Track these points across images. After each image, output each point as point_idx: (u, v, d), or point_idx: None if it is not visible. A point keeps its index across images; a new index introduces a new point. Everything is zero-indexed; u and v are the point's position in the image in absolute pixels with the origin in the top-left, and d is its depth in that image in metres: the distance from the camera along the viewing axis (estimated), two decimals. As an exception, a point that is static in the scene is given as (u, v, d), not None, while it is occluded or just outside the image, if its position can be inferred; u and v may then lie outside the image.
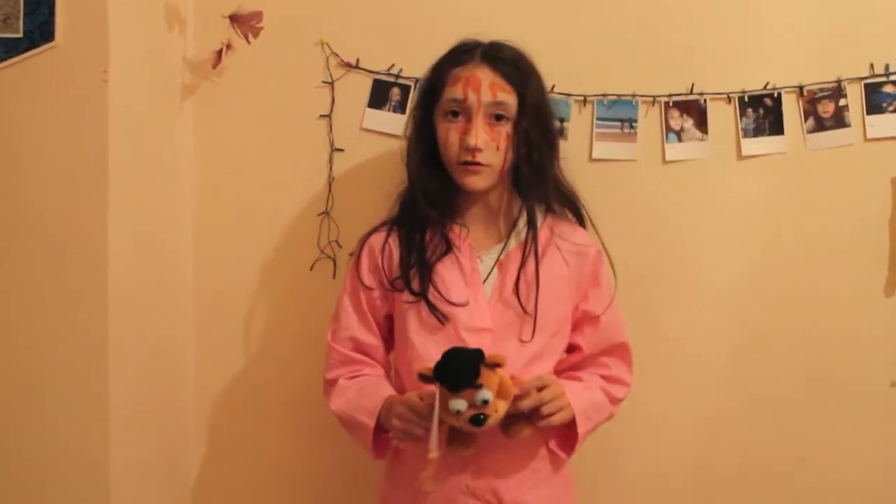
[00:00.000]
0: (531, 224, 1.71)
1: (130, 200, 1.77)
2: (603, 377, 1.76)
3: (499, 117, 1.66)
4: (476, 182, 1.68)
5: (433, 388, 1.50)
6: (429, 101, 1.73)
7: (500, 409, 1.49)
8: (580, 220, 1.81)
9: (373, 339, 1.77)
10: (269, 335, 2.05)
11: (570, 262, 1.73)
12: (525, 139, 1.67)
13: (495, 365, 1.48)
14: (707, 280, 1.99)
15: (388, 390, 1.70)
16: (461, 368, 1.47)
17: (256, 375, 2.07)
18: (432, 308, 1.67)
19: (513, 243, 1.73)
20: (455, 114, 1.67)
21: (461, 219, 1.75)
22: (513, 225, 1.74)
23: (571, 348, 1.78)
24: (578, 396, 1.66)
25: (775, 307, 1.98)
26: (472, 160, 1.65)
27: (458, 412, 1.47)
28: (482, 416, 1.47)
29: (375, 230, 1.79)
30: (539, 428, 1.58)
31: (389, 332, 1.80)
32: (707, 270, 1.98)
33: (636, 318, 1.85)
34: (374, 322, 1.77)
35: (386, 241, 1.76)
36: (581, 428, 1.64)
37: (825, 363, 1.97)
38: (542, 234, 1.72)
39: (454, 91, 1.67)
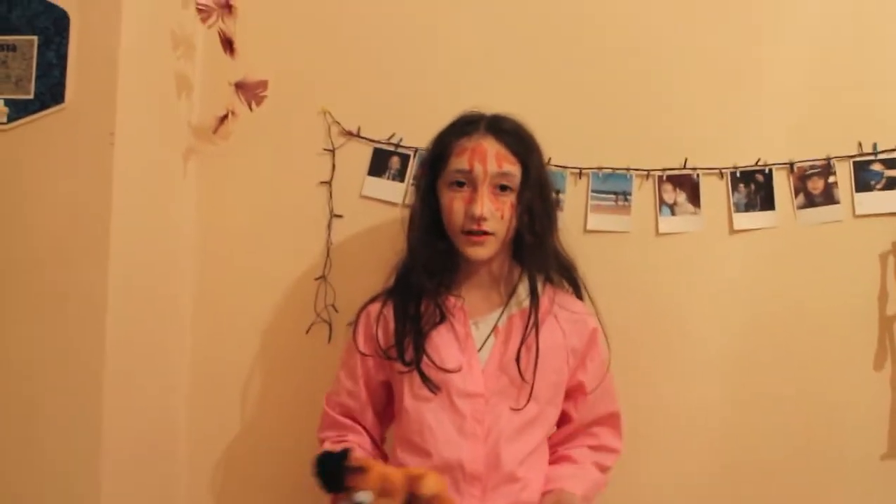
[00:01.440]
0: (533, 293, 1.72)
1: (131, 260, 1.79)
2: (591, 447, 1.78)
3: (503, 188, 1.69)
4: (479, 252, 1.70)
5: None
6: (433, 171, 1.75)
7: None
8: (577, 291, 1.83)
9: (360, 406, 1.79)
10: (265, 397, 2.05)
11: (566, 331, 1.74)
12: (528, 209, 1.70)
13: (359, 469, 1.45)
14: (698, 350, 1.99)
15: None
16: (325, 477, 1.46)
17: (251, 438, 2.06)
18: (424, 378, 1.68)
19: (512, 310, 1.74)
20: (460, 184, 1.69)
21: (457, 287, 1.76)
22: (511, 292, 1.76)
23: (563, 417, 1.79)
24: (580, 483, 1.70)
25: (765, 378, 1.98)
26: (478, 229, 1.67)
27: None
28: None
29: (372, 300, 1.81)
30: None
31: (388, 398, 1.81)
32: (699, 341, 1.99)
33: (629, 386, 1.87)
34: (367, 389, 1.78)
35: (381, 311, 1.77)
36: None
37: (815, 435, 1.97)
38: (543, 303, 1.74)
39: (460, 162, 1.69)
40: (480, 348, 1.71)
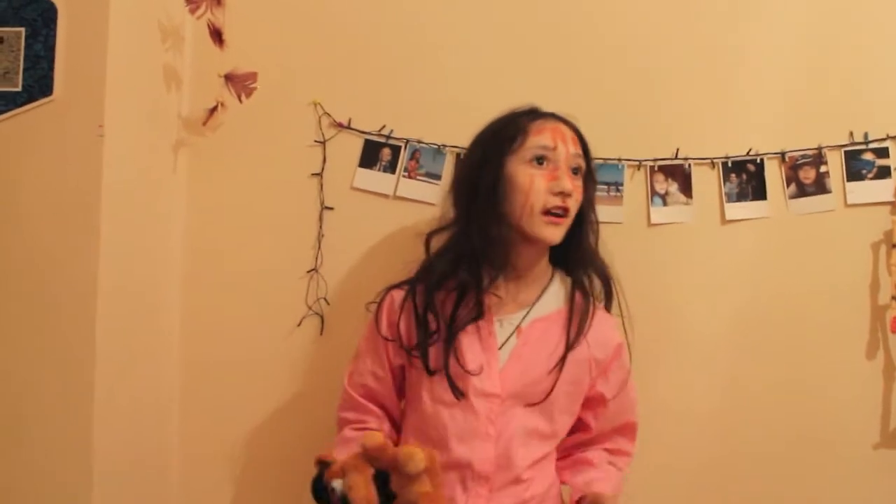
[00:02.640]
0: (582, 291, 1.73)
1: (121, 252, 1.78)
2: (607, 450, 1.78)
3: (576, 171, 1.68)
4: (556, 234, 1.65)
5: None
6: (500, 152, 1.66)
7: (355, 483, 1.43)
8: (608, 298, 1.79)
9: (383, 388, 1.76)
10: (257, 390, 2.04)
11: (591, 343, 1.71)
12: (588, 202, 1.71)
13: (326, 464, 1.50)
14: (691, 340, 2.00)
15: None
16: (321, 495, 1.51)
17: (244, 431, 2.05)
18: (451, 382, 1.65)
19: (541, 310, 1.72)
20: (541, 161, 1.65)
21: (501, 283, 1.70)
22: (541, 292, 1.74)
23: (580, 424, 1.78)
24: (608, 484, 1.74)
25: (758, 367, 1.99)
26: (563, 205, 1.63)
27: None
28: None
29: (398, 285, 1.76)
30: None
31: (404, 380, 1.78)
32: (691, 331, 2.00)
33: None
34: (389, 371, 1.75)
35: (405, 300, 1.72)
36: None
37: (807, 424, 1.98)
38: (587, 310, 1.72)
39: (542, 139, 1.65)
40: (501, 347, 1.68)
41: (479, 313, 1.66)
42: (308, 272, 2.02)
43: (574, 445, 1.80)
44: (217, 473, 2.06)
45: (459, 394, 1.64)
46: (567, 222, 1.66)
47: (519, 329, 1.70)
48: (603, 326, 1.74)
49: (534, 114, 1.71)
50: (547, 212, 1.63)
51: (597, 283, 1.78)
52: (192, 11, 1.90)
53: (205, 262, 2.05)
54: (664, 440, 1.98)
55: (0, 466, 1.72)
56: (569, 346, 1.68)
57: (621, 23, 2.03)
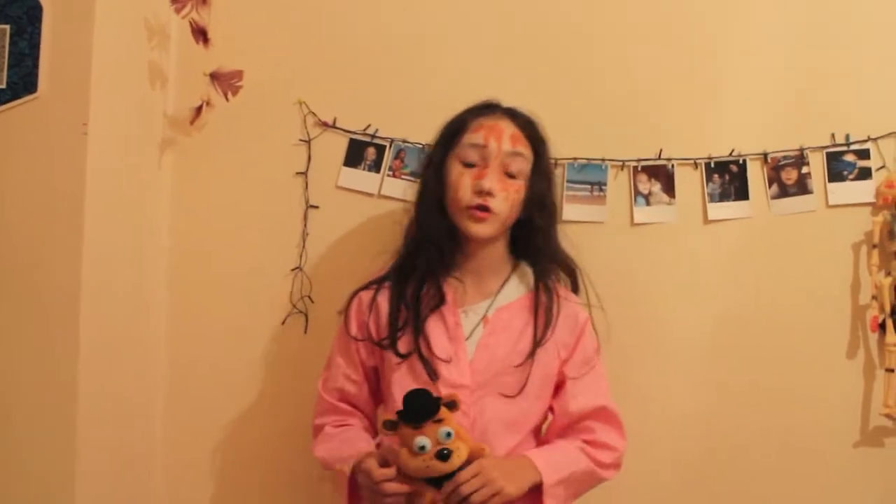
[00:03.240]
0: (544, 285, 1.73)
1: (105, 251, 1.79)
2: (585, 441, 1.72)
3: (511, 175, 1.69)
4: (481, 230, 1.68)
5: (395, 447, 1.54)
6: (445, 147, 1.74)
7: (461, 450, 1.51)
8: (574, 286, 1.82)
9: (358, 391, 1.77)
10: (241, 388, 2.04)
11: (557, 325, 1.73)
12: (535, 198, 1.72)
13: (452, 404, 1.53)
14: (673, 340, 2.01)
15: (366, 445, 1.69)
16: (422, 401, 1.51)
17: (228, 430, 2.05)
18: (425, 363, 1.66)
19: (503, 299, 1.74)
20: (470, 165, 1.69)
21: (457, 272, 1.75)
22: (503, 282, 1.76)
23: (556, 413, 1.76)
24: (543, 455, 1.66)
25: (739, 367, 1.99)
26: (483, 204, 1.66)
27: (423, 448, 1.49)
28: (446, 451, 1.49)
29: (365, 287, 1.79)
30: None
31: (378, 383, 1.79)
32: (673, 330, 2.01)
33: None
34: (363, 373, 1.77)
35: (374, 298, 1.75)
36: (547, 477, 1.61)
37: (788, 423, 1.98)
38: (550, 297, 1.73)
39: (475, 137, 1.70)
40: (468, 337, 1.70)
41: (440, 300, 1.70)
42: (292, 270, 2.03)
43: (553, 436, 1.77)
44: (202, 472, 2.06)
45: (434, 376, 1.65)
46: (495, 219, 1.68)
47: (485, 318, 1.72)
48: (567, 306, 1.76)
49: (480, 110, 1.75)
50: (470, 208, 1.67)
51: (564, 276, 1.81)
52: (178, 11, 1.91)
53: (189, 259, 2.06)
54: (643, 438, 1.97)
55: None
56: (536, 343, 1.69)
57: (605, 24, 2.04)
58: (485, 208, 1.67)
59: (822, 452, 1.98)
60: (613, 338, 1.93)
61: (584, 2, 2.04)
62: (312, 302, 2.02)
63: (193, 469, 2.06)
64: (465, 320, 1.72)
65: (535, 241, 1.75)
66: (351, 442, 1.70)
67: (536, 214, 1.73)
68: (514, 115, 1.74)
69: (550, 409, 1.77)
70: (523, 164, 1.71)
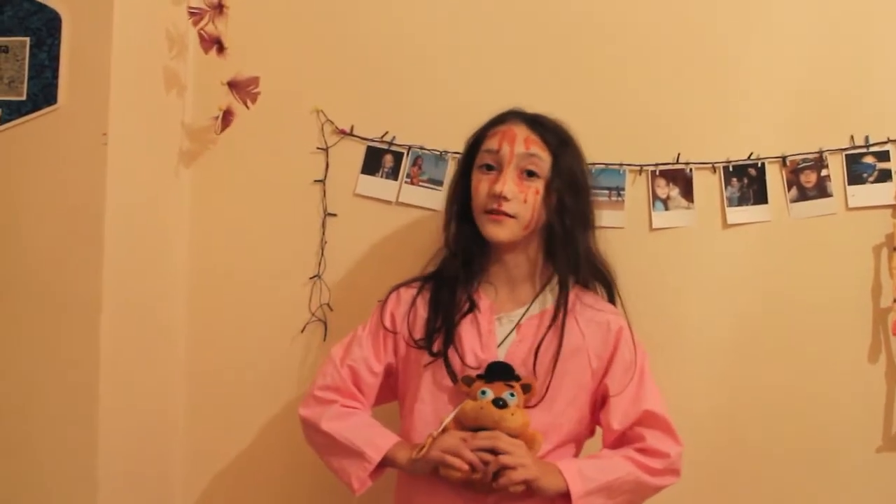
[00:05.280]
0: (563, 290, 1.72)
1: (125, 260, 1.80)
2: (637, 449, 1.69)
3: (530, 173, 1.70)
4: (497, 232, 1.69)
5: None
6: (468, 157, 1.77)
7: (517, 415, 1.60)
8: (610, 297, 1.81)
9: (370, 380, 1.75)
10: (260, 396, 2.05)
11: (586, 333, 1.72)
12: (557, 201, 1.71)
13: (527, 387, 1.64)
14: (693, 344, 2.00)
15: (395, 436, 1.69)
16: (503, 365, 1.65)
17: (247, 437, 2.06)
18: (448, 367, 1.68)
19: (535, 308, 1.73)
20: (489, 168, 1.71)
21: (489, 279, 1.77)
22: (539, 290, 1.75)
23: (605, 428, 1.74)
24: (570, 463, 1.65)
25: (760, 371, 1.98)
26: (498, 208, 1.67)
27: (485, 393, 1.61)
28: (502, 401, 1.59)
29: (407, 283, 1.80)
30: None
31: (385, 388, 1.79)
32: (693, 335, 2.00)
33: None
34: (382, 367, 1.76)
35: (415, 298, 1.77)
36: (574, 486, 1.59)
37: (809, 428, 1.97)
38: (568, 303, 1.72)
39: (490, 143, 1.72)
40: (500, 344, 1.70)
41: (471, 306, 1.73)
42: (311, 278, 2.03)
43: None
44: (222, 480, 2.07)
45: (455, 378, 1.67)
46: (512, 223, 1.68)
47: (519, 326, 1.72)
48: (598, 313, 1.75)
49: (497, 119, 1.76)
50: (486, 212, 1.70)
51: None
52: (196, 23, 1.92)
53: (208, 268, 2.07)
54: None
55: (6, 476, 1.73)
56: (544, 336, 1.70)
57: (623, 28, 2.03)
58: (501, 212, 1.68)
59: (844, 457, 1.96)
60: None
61: (601, 7, 2.04)
62: (331, 310, 2.03)
63: (214, 478, 2.07)
64: (500, 328, 1.72)
65: (557, 246, 1.74)
66: (379, 429, 1.70)
67: (556, 219, 1.72)
68: (529, 119, 1.74)
69: (598, 422, 1.76)
70: (540, 166, 1.70)
